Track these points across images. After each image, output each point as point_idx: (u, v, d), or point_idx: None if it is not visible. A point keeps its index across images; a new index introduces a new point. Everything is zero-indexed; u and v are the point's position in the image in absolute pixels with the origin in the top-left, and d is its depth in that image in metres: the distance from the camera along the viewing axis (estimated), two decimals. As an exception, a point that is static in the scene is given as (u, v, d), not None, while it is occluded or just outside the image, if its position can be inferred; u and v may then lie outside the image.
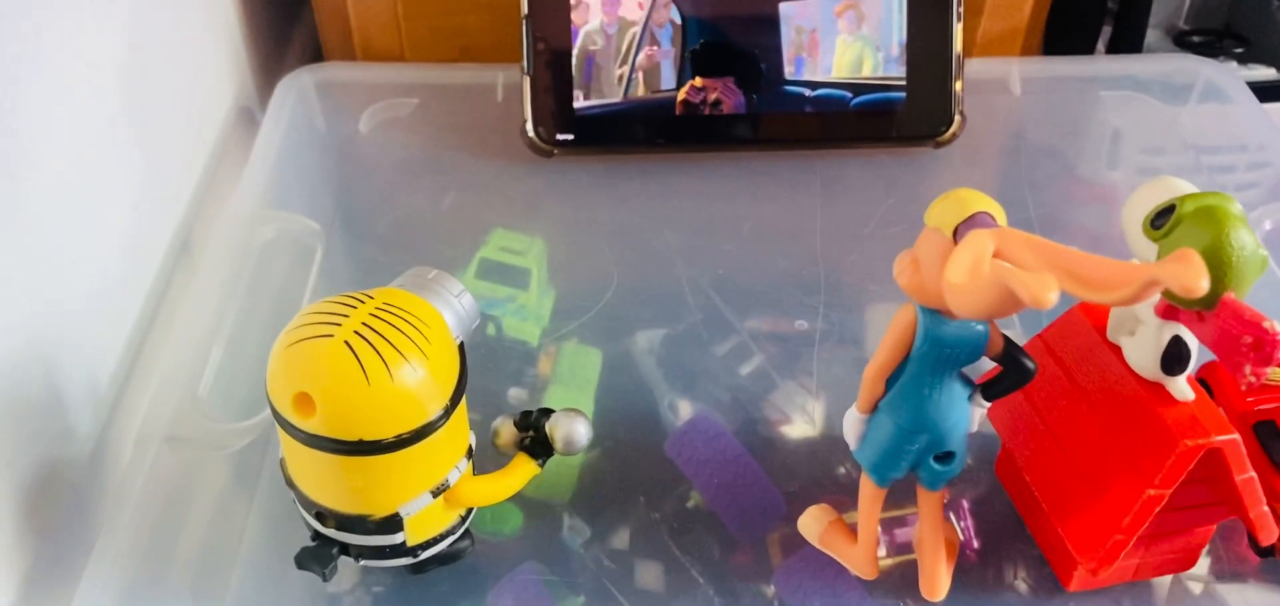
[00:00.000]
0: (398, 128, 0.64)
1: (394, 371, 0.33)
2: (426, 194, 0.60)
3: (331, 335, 0.33)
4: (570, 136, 0.61)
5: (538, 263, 0.58)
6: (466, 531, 0.40)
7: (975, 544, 0.45)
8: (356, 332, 0.33)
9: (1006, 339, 0.36)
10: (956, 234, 0.34)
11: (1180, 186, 0.35)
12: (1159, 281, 0.27)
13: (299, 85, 0.64)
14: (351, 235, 0.58)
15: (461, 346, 0.37)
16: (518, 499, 0.51)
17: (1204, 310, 0.33)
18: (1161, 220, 0.34)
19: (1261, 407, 0.41)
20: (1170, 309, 0.35)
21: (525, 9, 0.60)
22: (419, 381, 0.34)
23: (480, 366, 0.53)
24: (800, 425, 0.51)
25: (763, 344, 0.59)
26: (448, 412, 0.35)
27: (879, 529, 0.41)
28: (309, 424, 0.33)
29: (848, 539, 0.41)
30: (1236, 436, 0.35)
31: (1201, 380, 0.42)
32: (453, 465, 0.36)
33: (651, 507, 0.49)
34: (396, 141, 0.63)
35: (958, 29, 0.62)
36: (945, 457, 0.38)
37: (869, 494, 0.40)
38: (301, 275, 0.52)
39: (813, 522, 0.42)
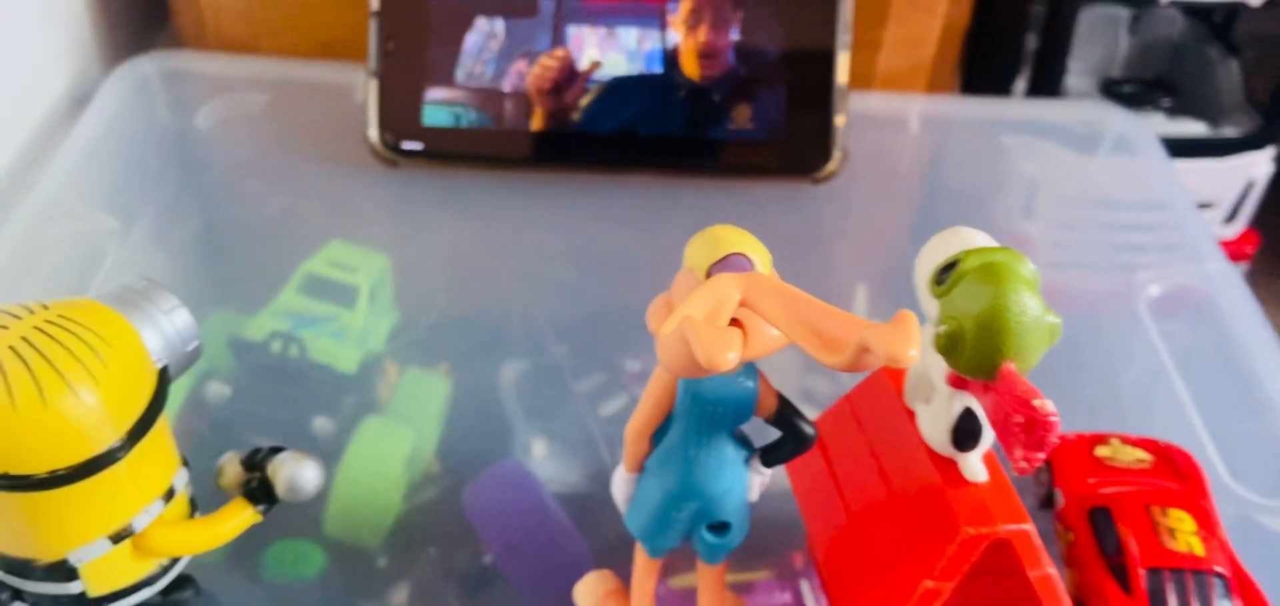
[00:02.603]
0: (240, 124, 0.60)
1: (49, 395, 0.28)
2: (257, 198, 0.56)
3: (-19, 348, 0.28)
4: (418, 146, 0.57)
5: (373, 281, 0.53)
6: (184, 579, 0.35)
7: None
8: (11, 349, 0.28)
9: (782, 399, 0.32)
10: (709, 275, 0.29)
11: (972, 239, 0.30)
12: (870, 348, 0.22)
13: (138, 73, 0.60)
14: (157, 238, 0.53)
15: (164, 371, 0.33)
16: (323, 539, 0.47)
17: (987, 381, 0.29)
18: (944, 276, 0.30)
19: (1104, 491, 0.37)
20: (959, 378, 0.30)
21: (375, 4, 0.56)
22: (84, 409, 0.29)
23: (281, 392, 0.49)
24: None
25: (630, 384, 0.55)
26: (127, 446, 0.30)
27: (654, 604, 0.36)
28: (-48, 448, 0.28)
29: (623, 613, 0.37)
30: (1028, 527, 0.30)
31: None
32: (139, 507, 0.32)
33: (446, 560, 0.45)
34: (236, 139, 0.59)
35: (842, 60, 0.58)
36: (720, 528, 0.34)
37: (642, 565, 0.35)
38: (82, 279, 0.48)
39: (588, 592, 0.38)
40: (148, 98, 0.59)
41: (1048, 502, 0.42)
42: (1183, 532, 0.37)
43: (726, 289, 0.27)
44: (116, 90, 0.58)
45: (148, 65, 0.60)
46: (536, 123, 0.57)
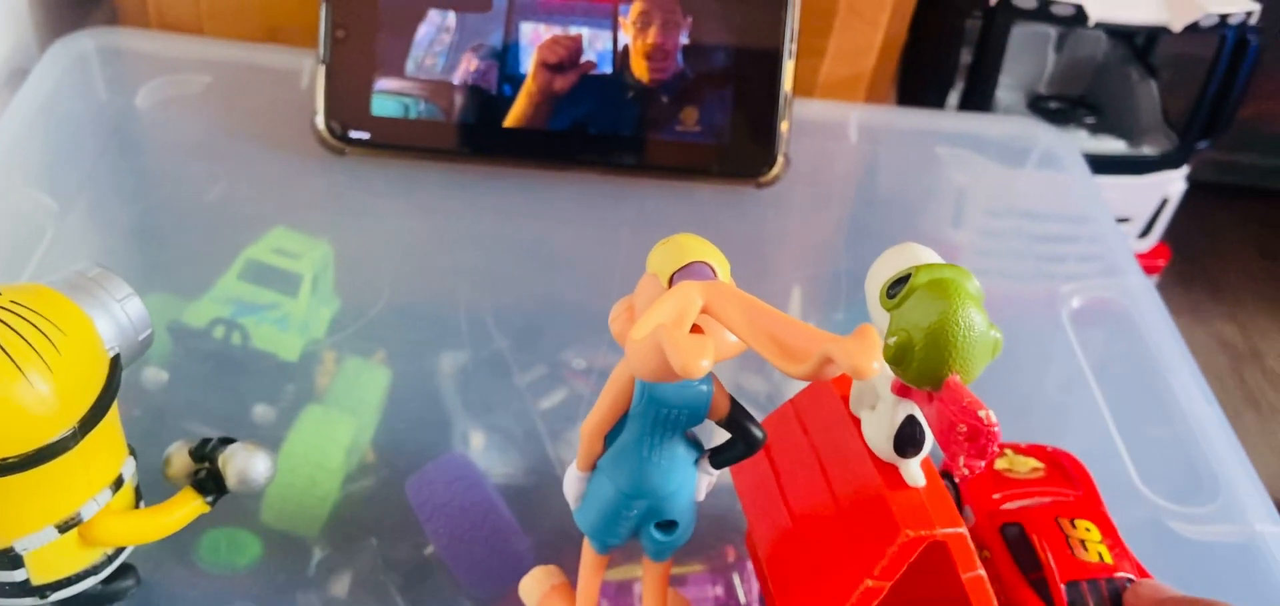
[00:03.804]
0: (182, 106, 0.59)
1: (2, 383, 0.28)
2: (198, 182, 0.55)
3: (-70, 335, 0.28)
4: (365, 135, 0.56)
5: (316, 269, 0.53)
6: (126, 569, 0.35)
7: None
8: (-38, 334, 0.28)
9: (734, 403, 0.33)
10: (672, 282, 0.30)
11: (922, 255, 0.32)
12: (832, 359, 0.23)
13: (77, 49, 0.58)
14: (97, 219, 0.52)
15: (116, 359, 0.32)
16: (259, 528, 0.47)
17: (932, 391, 0.30)
18: (896, 289, 0.31)
19: (1012, 507, 0.39)
20: (904, 387, 0.32)
21: (326, -11, 0.55)
22: (36, 397, 0.29)
23: (219, 380, 0.48)
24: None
25: (570, 378, 0.55)
26: (78, 435, 0.30)
27: (599, 599, 0.37)
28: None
29: (568, 607, 0.38)
30: (963, 530, 0.32)
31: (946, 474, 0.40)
32: (87, 496, 0.31)
33: (386, 551, 0.45)
34: (177, 121, 0.58)
35: (788, 68, 0.59)
36: (667, 526, 0.35)
37: (589, 561, 0.36)
38: (19, 260, 0.47)
39: (534, 586, 0.38)
40: (86, 75, 0.58)
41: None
42: (1092, 542, 0.39)
43: (691, 296, 0.28)
44: (54, 67, 0.56)
45: (86, 41, 0.59)
46: (486, 117, 0.57)
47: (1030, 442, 0.44)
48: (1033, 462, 0.43)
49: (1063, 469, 0.43)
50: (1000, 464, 0.43)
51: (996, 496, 0.39)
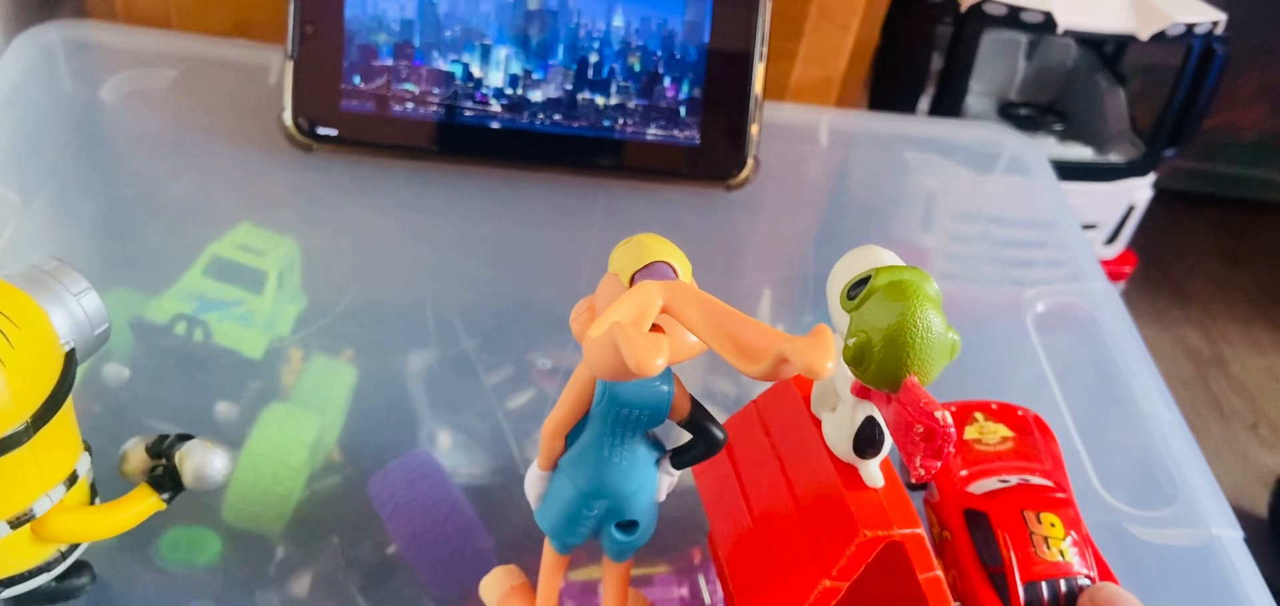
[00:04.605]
0: (147, 100, 0.58)
1: (-48, 376, 0.28)
2: (163, 177, 0.55)
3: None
4: (334, 132, 0.56)
5: (282, 266, 0.53)
6: (81, 566, 0.34)
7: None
8: (-87, 327, 0.28)
9: (695, 403, 0.33)
10: (633, 281, 0.30)
11: (883, 257, 0.32)
12: (788, 359, 0.24)
13: (41, 41, 0.58)
14: (60, 212, 0.51)
15: (71, 354, 0.32)
16: (220, 526, 0.46)
17: (890, 392, 0.30)
18: (856, 291, 0.31)
19: (979, 492, 0.39)
20: (863, 388, 0.32)
21: (294, -13, 0.55)
22: (-14, 390, 0.28)
23: (182, 376, 0.48)
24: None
25: (537, 378, 0.55)
26: (31, 430, 0.30)
27: (559, 600, 0.37)
28: None
29: (528, 607, 0.38)
30: (921, 531, 0.32)
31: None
32: (41, 492, 0.31)
33: (348, 550, 0.45)
34: (142, 115, 0.57)
35: (759, 70, 0.59)
36: (628, 526, 0.35)
37: (550, 561, 0.36)
38: (-23, 252, 0.46)
39: (494, 586, 0.38)
40: (51, 67, 0.57)
41: (919, 485, 0.43)
42: (1055, 540, 0.39)
43: (650, 296, 0.28)
44: (18, 58, 0.55)
45: (51, 34, 0.58)
46: (455, 116, 0.57)
47: (1002, 402, 0.44)
48: (1003, 431, 0.43)
49: (1031, 438, 0.43)
50: (970, 431, 0.43)
51: (964, 472, 0.39)
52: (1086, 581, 0.38)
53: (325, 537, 0.46)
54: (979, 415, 0.44)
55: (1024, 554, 0.38)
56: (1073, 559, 0.38)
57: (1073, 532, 0.39)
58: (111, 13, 0.62)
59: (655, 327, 0.29)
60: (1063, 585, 0.38)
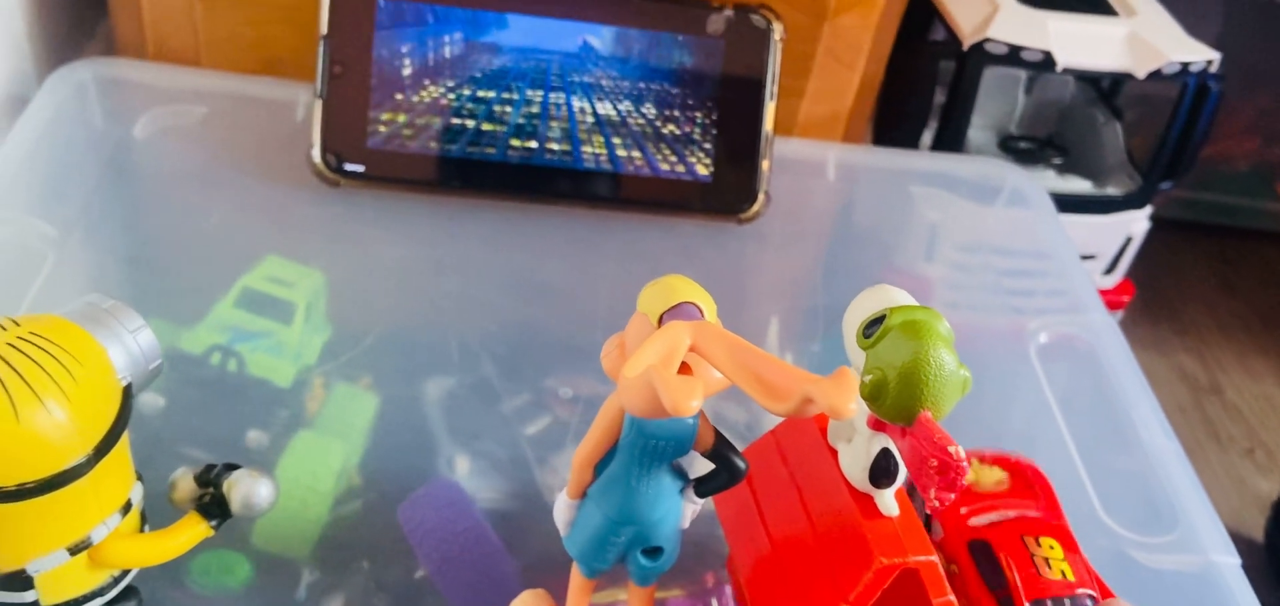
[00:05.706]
0: (179, 136, 0.60)
1: (22, 411, 0.29)
2: (195, 211, 0.57)
3: (-46, 364, 0.29)
4: (361, 168, 0.58)
5: (309, 297, 0.54)
6: (130, 591, 0.36)
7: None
8: (-16, 364, 0.29)
9: (718, 435, 0.35)
10: (661, 322, 0.32)
11: (897, 297, 0.34)
12: (812, 399, 0.25)
13: (76, 79, 0.59)
14: (95, 247, 0.53)
15: (128, 388, 0.34)
16: (250, 550, 0.48)
17: (905, 426, 0.32)
18: (872, 330, 0.33)
19: (980, 524, 0.41)
20: (879, 421, 0.34)
21: (324, 28, 0.57)
22: (54, 425, 0.30)
23: (214, 405, 0.50)
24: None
25: (555, 405, 0.57)
26: (92, 461, 0.31)
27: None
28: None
29: (557, 630, 0.39)
30: (935, 559, 0.34)
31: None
32: (98, 520, 0.33)
33: (378, 574, 0.47)
34: (174, 151, 0.59)
35: (769, 108, 0.61)
36: (653, 552, 0.36)
37: (577, 584, 0.38)
38: (20, 286, 0.48)
39: (522, 609, 0.40)
40: (84, 104, 0.59)
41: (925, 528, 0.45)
42: (1056, 560, 0.41)
43: (679, 336, 0.30)
44: (52, 96, 0.57)
45: (84, 71, 0.60)
46: (475, 152, 0.59)
47: (996, 451, 0.46)
48: (998, 474, 0.45)
49: (1026, 480, 0.45)
50: (967, 476, 0.45)
51: (964, 511, 0.41)
52: (1090, 601, 0.40)
53: (354, 562, 0.47)
54: (974, 460, 0.46)
55: (1027, 574, 0.40)
56: (1074, 578, 0.40)
57: (1073, 555, 0.41)
58: (142, 50, 0.64)
59: (683, 367, 0.31)
60: (1068, 603, 0.39)
